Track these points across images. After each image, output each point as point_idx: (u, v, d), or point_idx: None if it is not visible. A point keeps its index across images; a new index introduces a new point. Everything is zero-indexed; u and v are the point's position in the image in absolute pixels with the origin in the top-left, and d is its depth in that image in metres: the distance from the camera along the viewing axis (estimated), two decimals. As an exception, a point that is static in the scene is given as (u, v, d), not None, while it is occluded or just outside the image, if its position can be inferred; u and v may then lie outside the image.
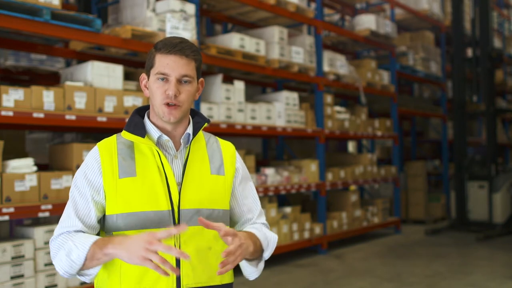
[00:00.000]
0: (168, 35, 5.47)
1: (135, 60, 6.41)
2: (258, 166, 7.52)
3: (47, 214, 4.48)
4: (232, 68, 6.57)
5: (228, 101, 6.37)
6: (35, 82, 5.78)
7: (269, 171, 6.90)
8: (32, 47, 5.48)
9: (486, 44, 9.77)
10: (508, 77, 14.59)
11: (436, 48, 11.37)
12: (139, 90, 5.43)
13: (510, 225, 9.40)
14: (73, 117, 4.70)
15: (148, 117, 1.90)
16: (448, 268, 6.69)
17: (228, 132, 6.47)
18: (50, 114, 4.56)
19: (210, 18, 7.90)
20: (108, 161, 1.80)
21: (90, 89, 4.88)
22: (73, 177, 4.67)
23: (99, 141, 1.91)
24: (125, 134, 1.85)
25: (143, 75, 1.90)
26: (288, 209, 7.21)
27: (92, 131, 5.73)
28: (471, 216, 9.62)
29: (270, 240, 1.91)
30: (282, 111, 7.19)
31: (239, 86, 6.56)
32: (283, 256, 7.29)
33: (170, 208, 1.78)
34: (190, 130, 1.89)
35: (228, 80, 6.93)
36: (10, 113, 4.30)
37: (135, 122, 1.86)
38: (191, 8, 5.81)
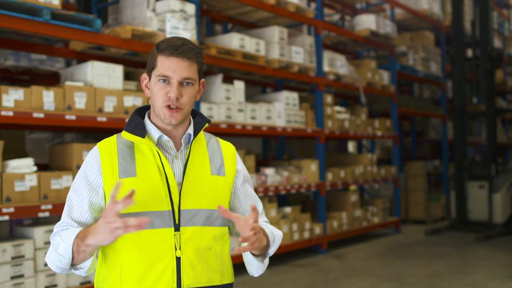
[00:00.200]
0: (168, 35, 5.47)
1: (135, 60, 6.41)
2: (258, 166, 7.52)
3: (47, 214, 4.48)
4: (232, 68, 6.57)
5: (228, 101, 6.37)
6: (35, 82, 5.78)
7: (269, 171, 6.90)
8: (32, 47, 5.48)
9: (486, 44, 9.77)
10: (508, 77, 14.59)
11: (436, 48, 11.37)
12: (139, 90, 5.43)
13: (510, 225, 9.40)
14: (73, 117, 4.70)
15: (149, 117, 1.90)
16: (448, 268, 6.69)
17: (228, 132, 6.47)
18: (50, 114, 4.56)
19: (210, 18, 7.90)
20: (108, 161, 1.81)
21: (90, 89, 4.88)
22: (73, 177, 4.71)
23: (99, 141, 1.91)
24: (125, 135, 1.85)
25: (144, 75, 1.90)
26: (288, 209, 7.21)
27: (92, 131, 5.73)
28: (471, 216, 9.62)
29: (276, 237, 1.92)
30: (282, 111, 7.19)
31: (239, 86, 6.56)
32: (283, 256, 7.29)
33: (171, 209, 1.78)
34: (191, 130, 1.89)
35: (228, 80, 6.93)
36: (10, 113, 4.30)
37: (135, 122, 1.86)
38: (191, 8, 5.81)
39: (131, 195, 1.60)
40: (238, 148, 5.34)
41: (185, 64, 1.79)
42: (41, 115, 4.50)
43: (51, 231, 4.59)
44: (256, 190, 6.45)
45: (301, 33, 8.62)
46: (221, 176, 1.89)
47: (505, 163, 14.02)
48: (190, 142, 1.88)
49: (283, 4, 7.07)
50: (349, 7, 10.37)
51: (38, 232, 4.52)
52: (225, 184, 1.89)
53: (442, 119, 11.63)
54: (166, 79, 1.79)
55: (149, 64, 1.85)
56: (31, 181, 4.44)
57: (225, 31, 8.27)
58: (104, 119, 4.91)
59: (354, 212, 8.54)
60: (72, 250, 1.70)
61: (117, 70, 5.20)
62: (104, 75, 5.09)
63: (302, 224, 7.37)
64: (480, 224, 9.46)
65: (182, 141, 1.87)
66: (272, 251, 1.90)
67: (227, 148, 1.98)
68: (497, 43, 13.25)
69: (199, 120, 1.93)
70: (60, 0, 4.66)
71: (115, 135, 1.90)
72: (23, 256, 4.39)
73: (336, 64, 8.26)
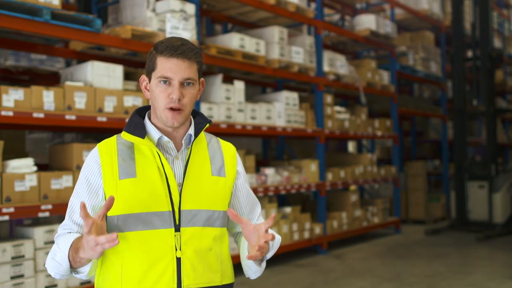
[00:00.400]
0: (168, 35, 5.47)
1: (135, 60, 6.41)
2: (258, 166, 7.52)
3: (47, 214, 4.48)
4: (232, 68, 6.57)
5: (228, 101, 6.37)
6: (35, 82, 5.78)
7: (269, 171, 6.90)
8: (32, 47, 5.48)
9: (486, 44, 9.77)
10: (508, 77, 14.59)
11: (436, 48, 11.37)
12: (139, 90, 5.42)
13: (510, 225, 9.40)
14: (73, 117, 4.70)
15: (149, 118, 1.90)
16: (448, 268, 6.69)
17: (228, 132, 6.47)
18: (50, 114, 4.55)
19: (210, 18, 7.90)
20: (108, 162, 1.81)
21: (90, 89, 4.88)
22: (73, 177, 4.71)
23: (99, 141, 1.91)
24: (125, 135, 1.84)
25: (143, 77, 1.89)
26: (288, 209, 7.21)
27: (92, 131, 5.73)
28: (471, 216, 9.62)
29: (275, 241, 1.92)
30: (282, 111, 7.19)
31: (239, 86, 6.56)
32: (283, 256, 7.29)
33: (171, 209, 1.78)
34: (191, 131, 1.88)
35: (228, 80, 6.93)
36: (10, 113, 4.29)
37: (135, 122, 1.86)
38: (191, 8, 5.81)
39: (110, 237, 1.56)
40: (238, 148, 5.35)
41: (185, 65, 1.78)
42: (41, 115, 4.49)
43: (51, 231, 4.60)
44: (256, 190, 6.46)
45: (301, 33, 8.62)
46: (222, 177, 1.89)
47: (505, 163, 14.02)
48: (191, 142, 1.88)
49: (283, 4, 7.07)
50: (349, 7, 10.37)
51: (38, 232, 4.52)
52: (225, 185, 1.89)
53: (442, 119, 11.63)
54: (167, 80, 1.78)
55: (148, 65, 1.85)
56: (31, 181, 4.44)
57: (225, 31, 8.26)
58: (104, 119, 4.91)
59: (354, 212, 8.54)
60: (69, 258, 1.71)
61: (117, 70, 5.20)
62: (104, 75, 5.09)
63: (302, 224, 7.37)
64: (480, 224, 9.46)
65: (182, 142, 1.87)
66: (269, 255, 1.90)
67: (228, 148, 1.98)
68: (497, 43, 13.25)
69: (199, 121, 1.93)
70: (60, 0, 4.66)
71: (115, 136, 1.90)
72: (23, 256, 4.39)
73: (336, 64, 8.26)
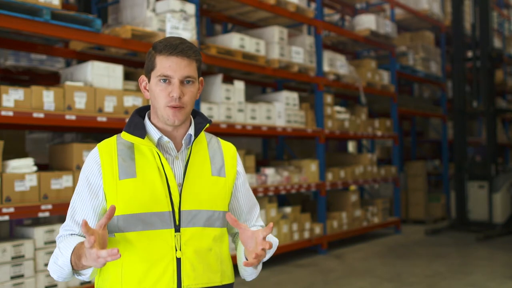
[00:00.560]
0: (168, 35, 5.47)
1: (135, 60, 6.41)
2: (258, 166, 7.52)
3: (47, 214, 4.48)
4: (232, 68, 6.57)
5: (228, 101, 6.37)
6: (35, 82, 5.78)
7: (269, 171, 6.90)
8: (32, 47, 5.48)
9: (486, 44, 9.77)
10: (508, 77, 14.59)
11: (436, 48, 11.37)
12: (139, 90, 5.42)
13: (510, 225, 9.40)
14: (73, 117, 4.70)
15: (149, 118, 1.90)
16: (448, 268, 6.69)
17: (228, 132, 6.47)
18: (50, 114, 4.55)
19: (210, 18, 7.90)
20: (108, 162, 1.80)
21: (90, 89, 4.88)
22: (73, 177, 4.71)
23: (99, 141, 1.90)
24: (124, 135, 1.84)
25: (142, 77, 1.89)
26: (288, 209, 7.21)
27: (92, 131, 5.73)
28: (471, 216, 9.62)
29: (272, 244, 1.91)
30: (282, 111, 7.19)
31: (239, 86, 6.56)
32: (283, 256, 7.29)
33: (171, 209, 1.78)
34: (191, 131, 1.88)
35: (228, 80, 6.93)
36: (10, 113, 4.29)
37: (135, 122, 1.86)
38: (191, 8, 5.81)
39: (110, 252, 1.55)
40: (238, 148, 5.35)
41: (185, 63, 1.79)
42: (41, 115, 4.49)
43: (51, 231, 4.59)
44: (256, 190, 6.46)
45: (301, 33, 8.62)
46: (222, 177, 1.89)
47: (505, 163, 14.02)
48: (191, 142, 1.88)
49: (283, 4, 7.07)
50: (349, 7, 10.37)
51: (38, 232, 4.52)
52: (225, 185, 1.89)
53: (442, 119, 11.63)
54: (167, 79, 1.78)
55: (147, 65, 1.84)
56: (31, 181, 4.44)
57: (225, 31, 8.26)
58: (104, 119, 4.91)
59: (354, 212, 8.54)
60: (71, 263, 1.71)
61: (117, 70, 5.20)
62: (104, 75, 5.09)
63: (302, 224, 7.37)
64: (480, 224, 9.46)
65: (182, 142, 1.87)
66: (266, 258, 1.90)
67: (228, 148, 1.98)
68: (497, 43, 13.24)
69: (200, 121, 1.92)
70: (60, 0, 4.66)
71: (115, 136, 1.90)
72: (23, 256, 4.39)
73: (336, 64, 8.26)
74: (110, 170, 1.79)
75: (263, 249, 1.68)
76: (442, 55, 11.52)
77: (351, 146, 12.44)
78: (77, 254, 1.69)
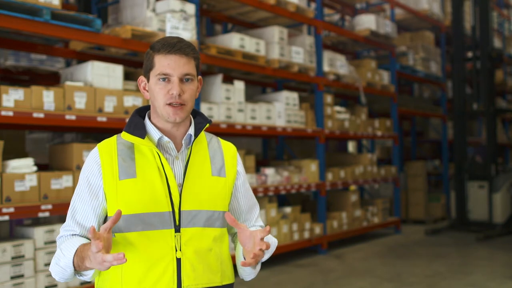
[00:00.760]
0: (168, 35, 5.47)
1: (135, 60, 6.41)
2: (258, 166, 7.52)
3: (47, 214, 4.48)
4: (232, 68, 6.57)
5: (228, 101, 6.37)
6: (35, 82, 5.78)
7: (269, 171, 6.90)
8: (32, 47, 5.48)
9: (486, 44, 9.77)
10: (508, 77, 14.59)
11: (436, 48, 11.37)
12: (139, 90, 5.40)
13: (510, 225, 9.40)
14: (73, 117, 4.70)
15: (149, 118, 1.89)
16: (448, 268, 6.69)
17: (228, 132, 6.47)
18: (50, 114, 4.55)
19: (210, 18, 7.90)
20: (108, 162, 1.80)
21: (90, 89, 4.88)
22: (73, 177, 4.71)
23: (99, 141, 1.90)
24: (125, 135, 1.84)
25: (141, 78, 1.89)
26: (288, 209, 7.21)
27: (92, 131, 5.73)
28: (471, 216, 9.62)
29: (271, 245, 1.91)
30: (282, 111, 7.19)
31: (239, 86, 6.56)
32: (283, 256, 7.29)
33: (171, 210, 1.78)
34: (191, 131, 1.88)
35: (228, 80, 6.93)
36: (10, 113, 4.29)
37: (135, 122, 1.86)
38: (191, 8, 5.81)
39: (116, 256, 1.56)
40: (238, 148, 5.35)
41: (183, 61, 1.79)
42: (41, 115, 4.49)
43: (51, 231, 4.59)
44: (256, 190, 6.46)
45: (301, 33, 8.62)
46: (222, 177, 1.89)
47: (505, 163, 14.02)
48: (191, 142, 1.88)
49: (283, 4, 7.07)
50: (349, 7, 10.37)
51: (38, 232, 4.52)
52: (225, 185, 1.89)
53: (442, 119, 11.63)
54: (166, 77, 1.79)
55: (145, 65, 1.84)
56: (31, 181, 4.44)
57: (225, 31, 8.26)
58: (104, 119, 4.91)
59: (354, 212, 8.54)
60: (73, 264, 1.71)
61: (117, 70, 5.20)
62: (104, 75, 5.09)
63: (302, 224, 7.37)
64: (480, 224, 9.46)
65: (182, 142, 1.87)
66: (265, 258, 1.90)
67: (228, 148, 1.98)
68: (497, 43, 13.24)
69: (200, 121, 1.92)
70: (60, 0, 4.66)
71: (115, 136, 1.90)
72: (23, 256, 4.39)
73: (336, 64, 8.26)
74: (110, 170, 1.79)
75: (261, 250, 1.68)
76: (442, 55, 11.52)
77: (351, 146, 12.43)
78: (80, 256, 1.69)
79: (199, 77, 1.90)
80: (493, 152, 9.72)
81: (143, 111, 1.93)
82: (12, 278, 4.30)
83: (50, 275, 4.52)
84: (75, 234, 1.81)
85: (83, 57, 5.75)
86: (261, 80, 8.38)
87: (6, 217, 4.24)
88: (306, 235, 7.42)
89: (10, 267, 4.30)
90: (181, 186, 1.81)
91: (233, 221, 1.71)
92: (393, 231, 9.67)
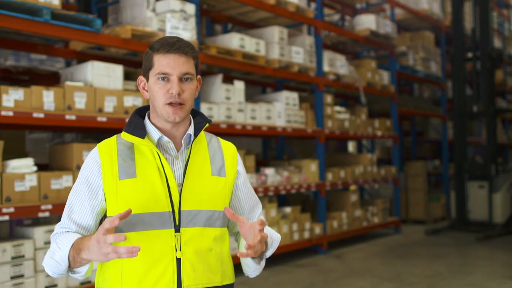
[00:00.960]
0: (168, 35, 5.47)
1: (135, 60, 6.41)
2: (258, 166, 7.52)
3: (47, 214, 4.48)
4: (232, 68, 6.57)
5: (228, 101, 6.37)
6: (35, 82, 5.78)
7: (269, 171, 6.90)
8: (32, 47, 5.48)
9: (486, 44, 9.77)
10: (508, 77, 14.59)
11: (436, 48, 11.37)
12: (139, 90, 5.41)
13: (510, 225, 9.40)
14: (73, 117, 4.70)
15: (149, 118, 1.89)
16: (448, 268, 6.69)
17: (228, 132, 6.47)
18: (50, 114, 4.55)
19: (210, 18, 7.90)
20: (108, 162, 1.80)
21: (90, 89, 4.88)
22: (73, 177, 4.70)
23: (99, 141, 1.90)
24: (124, 135, 1.84)
25: (141, 78, 1.89)
26: (288, 209, 7.21)
27: (92, 131, 5.73)
28: (471, 216, 9.62)
29: (274, 240, 1.92)
30: (282, 111, 7.19)
31: (239, 86, 6.56)
32: (283, 256, 7.29)
33: (171, 210, 1.78)
34: (191, 130, 1.88)
35: (228, 80, 6.93)
36: (10, 113, 4.29)
37: (135, 122, 1.86)
38: (191, 8, 5.81)
39: (123, 217, 1.58)
40: (238, 148, 5.34)
41: (182, 60, 1.79)
42: (41, 115, 4.49)
43: (51, 231, 4.59)
44: (256, 190, 6.45)
45: (301, 33, 8.62)
46: (222, 177, 1.89)
47: (505, 163, 14.02)
48: (191, 142, 1.88)
49: (283, 4, 7.07)
50: (349, 7, 10.37)
51: (38, 232, 4.52)
52: (225, 185, 1.89)
53: (442, 119, 11.63)
54: (165, 77, 1.79)
55: (145, 65, 1.85)
56: (31, 181, 4.44)
57: (225, 31, 8.26)
58: (104, 119, 4.91)
59: (354, 212, 8.54)
60: (69, 259, 1.71)
61: (117, 70, 5.20)
62: (104, 75, 5.09)
63: (302, 224, 7.37)
64: (480, 224, 9.46)
65: (182, 142, 1.87)
66: (269, 254, 1.90)
67: (228, 148, 1.97)
68: (497, 43, 13.24)
69: (199, 120, 1.92)
70: (60, 0, 4.66)
71: (115, 136, 1.90)
72: (23, 256, 4.39)
73: (336, 64, 8.26)
74: (110, 170, 1.79)
75: (260, 241, 1.68)
76: (442, 55, 11.52)
77: (351, 146, 12.43)
78: (76, 248, 1.68)
79: (199, 76, 1.90)
80: (493, 152, 9.72)
81: (143, 111, 1.93)
82: (12, 278, 4.30)
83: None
84: (71, 232, 1.81)
85: (83, 57, 5.75)
86: (261, 80, 8.38)
87: (6, 217, 4.24)
88: (306, 235, 7.42)
89: (10, 267, 4.30)
90: (181, 186, 1.81)
91: (233, 215, 1.71)
92: (393, 231, 9.67)
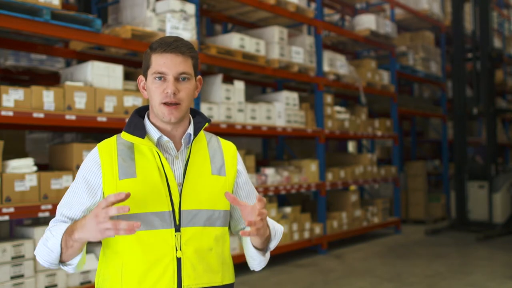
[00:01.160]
0: (168, 35, 5.46)
1: (135, 60, 6.42)
2: (258, 166, 7.52)
3: (47, 214, 4.48)
4: (232, 68, 6.57)
5: (228, 101, 6.37)
6: (35, 82, 5.78)
7: (269, 171, 6.90)
8: (32, 47, 5.48)
9: (486, 44, 9.77)
10: (508, 77, 14.59)
11: (436, 48, 11.37)
12: (139, 90, 5.41)
13: (510, 225, 9.40)
14: (73, 117, 4.70)
15: (148, 118, 1.89)
16: (448, 268, 6.69)
17: (228, 132, 6.48)
18: (50, 114, 4.56)
19: (210, 18, 7.90)
20: (108, 162, 1.80)
21: (90, 89, 4.88)
22: (73, 177, 4.70)
23: (99, 141, 1.90)
24: (124, 135, 1.84)
25: (141, 77, 1.90)
26: (288, 209, 7.21)
27: (92, 131, 5.73)
28: (471, 216, 9.62)
29: (277, 231, 1.92)
30: (282, 111, 7.19)
31: (239, 86, 6.56)
32: (283, 256, 7.29)
33: (171, 209, 1.78)
34: (191, 130, 1.88)
35: (228, 80, 6.93)
36: (10, 113, 4.30)
37: (135, 122, 1.86)
38: (191, 8, 5.81)
39: (126, 197, 1.59)
40: (238, 148, 5.34)
41: (179, 59, 1.79)
42: (41, 115, 4.49)
43: (51, 231, 4.59)
44: (256, 190, 6.45)
45: (301, 33, 8.62)
46: (222, 176, 1.89)
47: (505, 163, 14.02)
48: (190, 142, 1.88)
49: (283, 4, 7.07)
50: (349, 7, 10.37)
51: (38, 232, 4.52)
52: (225, 184, 1.89)
53: (442, 119, 11.63)
54: (162, 76, 1.79)
55: (144, 65, 1.85)
56: (31, 181, 4.44)
57: (225, 31, 8.26)
58: (104, 119, 4.91)
59: (354, 212, 8.54)
60: (61, 245, 1.70)
61: (117, 70, 5.20)
62: (104, 75, 5.09)
63: (302, 224, 7.36)
64: (480, 224, 9.46)
65: (182, 141, 1.87)
66: (273, 245, 1.90)
67: (228, 147, 1.97)
68: (497, 43, 13.24)
69: (199, 120, 1.92)
70: (60, 0, 4.66)
71: (115, 136, 1.90)
72: (23, 256, 4.39)
73: (336, 64, 8.26)
74: (110, 170, 1.79)
75: (261, 219, 1.68)
76: (442, 55, 11.52)
77: (351, 146, 12.44)
78: (69, 231, 1.68)
79: (199, 76, 1.90)
80: (493, 152, 9.72)
81: (142, 111, 1.93)
82: (12, 278, 4.30)
83: (50, 275, 4.52)
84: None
85: (83, 57, 5.75)
86: (261, 80, 8.38)
87: (6, 217, 4.24)
88: (306, 235, 7.42)
89: (10, 267, 4.30)
90: (181, 185, 1.81)
91: (233, 199, 1.71)
92: (393, 231, 9.67)
